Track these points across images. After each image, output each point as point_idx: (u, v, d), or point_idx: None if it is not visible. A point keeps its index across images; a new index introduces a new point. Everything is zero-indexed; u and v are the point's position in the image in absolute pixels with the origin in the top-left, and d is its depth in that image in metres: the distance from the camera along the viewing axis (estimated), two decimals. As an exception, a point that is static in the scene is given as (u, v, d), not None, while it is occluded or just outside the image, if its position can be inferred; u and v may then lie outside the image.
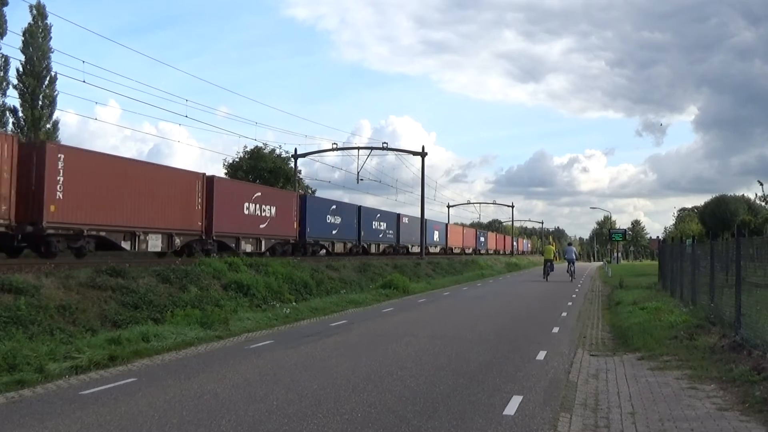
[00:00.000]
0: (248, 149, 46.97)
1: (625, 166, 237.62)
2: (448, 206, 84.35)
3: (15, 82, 35.66)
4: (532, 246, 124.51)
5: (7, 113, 35.70)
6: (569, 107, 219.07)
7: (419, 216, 44.95)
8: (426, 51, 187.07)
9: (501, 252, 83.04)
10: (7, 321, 10.56)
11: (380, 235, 41.13)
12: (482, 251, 72.64)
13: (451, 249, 58.49)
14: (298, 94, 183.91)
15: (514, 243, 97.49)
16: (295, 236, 30.03)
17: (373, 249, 39.86)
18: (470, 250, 66.47)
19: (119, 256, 19.75)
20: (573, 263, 36.42)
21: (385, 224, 41.81)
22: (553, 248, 40.49)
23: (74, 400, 7.58)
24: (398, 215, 45.04)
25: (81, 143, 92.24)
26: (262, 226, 27.11)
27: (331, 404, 7.30)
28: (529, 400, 7.60)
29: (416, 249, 45.99)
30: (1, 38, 34.03)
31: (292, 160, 45.76)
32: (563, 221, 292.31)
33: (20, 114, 35.83)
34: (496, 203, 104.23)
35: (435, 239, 53.35)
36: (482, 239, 75.26)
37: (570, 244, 48.24)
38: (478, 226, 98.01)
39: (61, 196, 16.90)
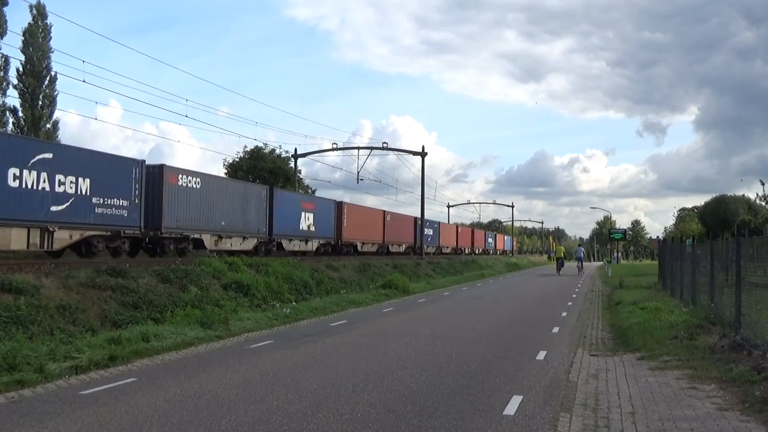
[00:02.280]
0: (248, 149, 46.93)
1: (625, 166, 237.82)
2: (448, 206, 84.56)
3: (15, 82, 35.65)
4: (518, 245, 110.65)
5: (7, 113, 35.67)
6: (570, 107, 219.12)
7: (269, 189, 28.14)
8: (427, 51, 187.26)
9: (467, 251, 65.37)
10: (7, 321, 10.56)
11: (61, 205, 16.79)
12: (430, 249, 51.27)
13: (354, 245, 36.82)
14: (299, 94, 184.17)
15: (489, 240, 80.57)
16: None
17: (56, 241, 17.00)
18: (403, 248, 45.63)
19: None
20: (581, 260, 48.29)
21: (108, 182, 18.48)
22: (563, 249, 51.23)
23: (74, 400, 7.58)
24: (146, 165, 20.49)
25: (82, 143, 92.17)
26: None
27: (331, 404, 7.30)
28: (529, 399, 7.60)
29: (238, 244, 25.17)
30: (1, 38, 34.00)
31: (293, 160, 45.80)
32: (563, 221, 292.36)
33: (20, 114, 35.80)
34: (496, 203, 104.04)
35: (305, 227, 30.54)
36: (429, 232, 51.93)
37: (580, 245, 65.10)
38: (478, 226, 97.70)
39: None
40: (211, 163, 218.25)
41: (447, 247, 57.75)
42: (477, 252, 69.86)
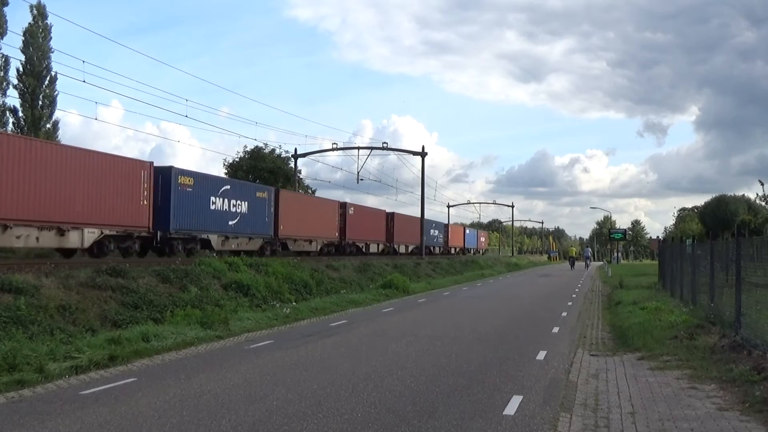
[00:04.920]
0: (248, 149, 46.92)
1: (625, 166, 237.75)
2: (448, 206, 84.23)
3: (15, 82, 35.62)
4: (488, 242, 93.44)
5: (7, 113, 35.66)
6: (570, 107, 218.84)
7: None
8: (427, 51, 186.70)
9: (379, 249, 43.05)
10: (7, 321, 10.56)
11: None
12: (286, 245, 30.58)
13: (166, 237, 22.20)
14: (300, 94, 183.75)
15: (433, 232, 55.48)
16: None
17: None
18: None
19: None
20: (589, 259, 60.88)
21: None
22: (575, 249, 64.55)
23: (74, 400, 7.58)
24: None
25: (84, 144, 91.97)
26: None
27: (331, 404, 7.30)
28: (529, 399, 7.60)
29: None
30: (2, 38, 33.94)
31: (293, 160, 45.81)
32: (563, 221, 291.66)
33: (20, 114, 35.80)
34: (496, 203, 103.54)
35: None
36: (271, 211, 28.80)
37: (588, 246, 76.70)
38: (478, 226, 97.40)
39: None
40: (211, 163, 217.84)
41: (312, 241, 33.11)
42: (403, 251, 47.74)
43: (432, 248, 55.23)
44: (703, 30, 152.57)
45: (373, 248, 42.08)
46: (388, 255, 41.13)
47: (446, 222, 69.97)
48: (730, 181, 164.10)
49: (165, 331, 12.08)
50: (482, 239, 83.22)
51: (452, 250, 62.88)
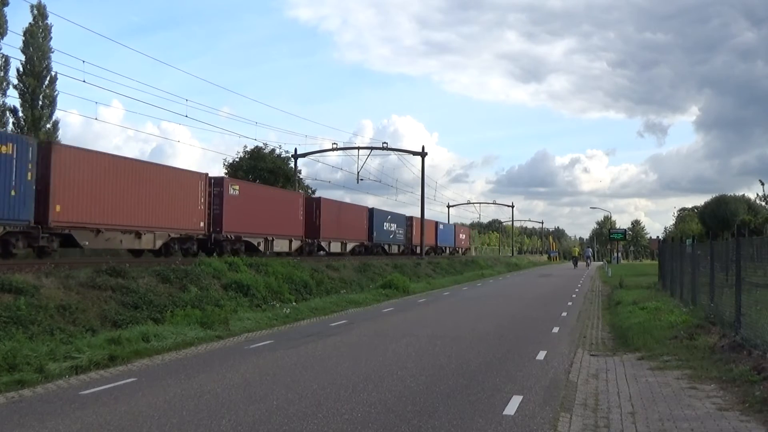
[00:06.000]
0: (248, 149, 46.88)
1: (626, 166, 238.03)
2: (448, 206, 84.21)
3: (15, 82, 35.62)
4: (469, 239, 78.75)
5: (7, 113, 35.65)
6: (571, 107, 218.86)
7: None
8: (428, 52, 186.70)
9: (289, 248, 31.18)
10: (7, 321, 10.56)
11: None
12: (71, 238, 18.66)
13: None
14: (300, 94, 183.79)
15: (390, 226, 45.17)
16: None
17: None
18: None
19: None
20: (589, 258, 67.20)
21: None
22: (577, 249, 69.91)
23: (74, 400, 7.58)
24: None
25: (84, 144, 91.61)
26: None
27: (331, 404, 7.30)
28: (529, 400, 7.60)
29: None
30: (2, 38, 33.95)
31: (293, 159, 45.81)
32: (563, 221, 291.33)
33: (20, 114, 35.79)
34: (496, 203, 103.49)
35: None
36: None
37: (589, 247, 79.03)
38: (478, 226, 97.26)
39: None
40: (212, 163, 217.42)
41: (141, 235, 21.59)
42: (338, 250, 36.69)
43: (387, 246, 44.51)
44: (703, 30, 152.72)
45: (280, 245, 29.98)
46: (310, 255, 31.47)
47: (408, 214, 51.16)
48: (730, 181, 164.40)
49: (165, 331, 12.08)
50: (462, 236, 69.94)
51: (417, 249, 46.11)
